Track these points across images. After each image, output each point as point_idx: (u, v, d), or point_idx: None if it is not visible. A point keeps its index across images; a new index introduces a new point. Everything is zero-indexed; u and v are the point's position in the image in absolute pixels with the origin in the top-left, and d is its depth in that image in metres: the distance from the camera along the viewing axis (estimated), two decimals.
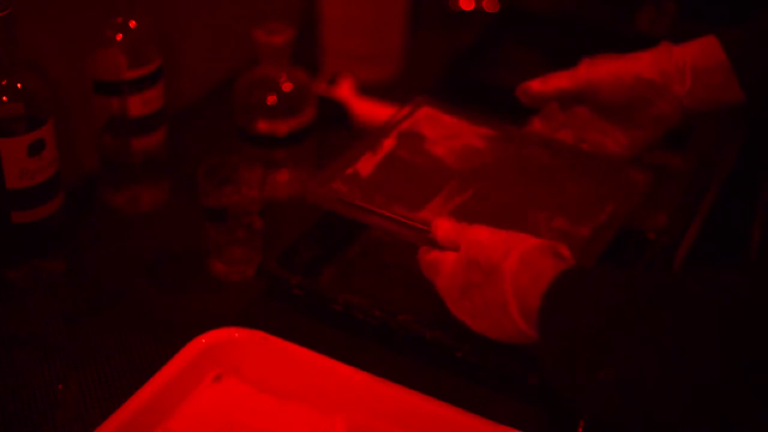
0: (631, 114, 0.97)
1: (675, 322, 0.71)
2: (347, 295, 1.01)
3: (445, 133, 1.04)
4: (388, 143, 1.04)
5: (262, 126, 1.19)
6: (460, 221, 0.90)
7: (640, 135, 0.99)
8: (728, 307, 0.70)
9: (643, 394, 0.71)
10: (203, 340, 0.94)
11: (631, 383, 0.72)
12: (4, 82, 0.98)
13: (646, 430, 0.73)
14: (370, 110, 1.34)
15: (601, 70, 0.98)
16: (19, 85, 0.98)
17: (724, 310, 0.70)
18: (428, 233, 0.91)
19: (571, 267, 0.81)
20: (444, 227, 0.89)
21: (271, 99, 1.18)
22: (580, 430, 0.91)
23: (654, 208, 1.14)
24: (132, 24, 1.10)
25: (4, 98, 0.98)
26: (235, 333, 0.95)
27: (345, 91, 1.36)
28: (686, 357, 0.69)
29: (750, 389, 0.68)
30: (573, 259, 0.85)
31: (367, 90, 1.39)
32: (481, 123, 1.05)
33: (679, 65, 0.95)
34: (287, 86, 1.19)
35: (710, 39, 0.95)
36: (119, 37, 1.10)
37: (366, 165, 1.01)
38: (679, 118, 0.97)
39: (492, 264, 0.83)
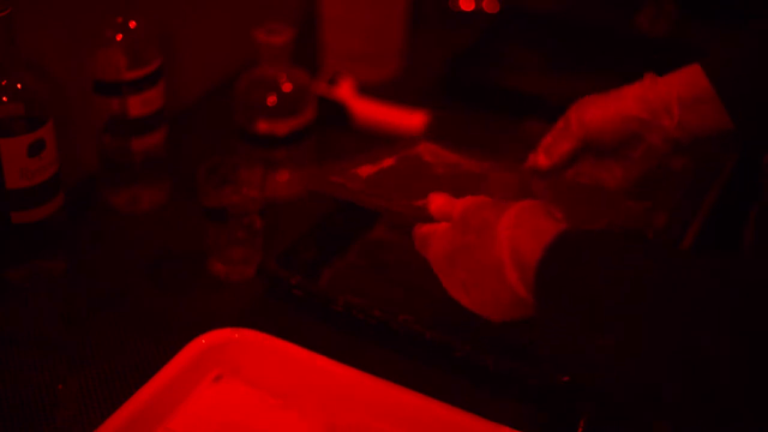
0: (623, 149, 0.98)
1: (683, 294, 0.70)
2: (347, 295, 1.01)
3: (446, 162, 1.04)
4: (388, 161, 1.03)
5: (262, 126, 1.19)
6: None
7: (634, 167, 1.00)
8: (737, 286, 0.70)
9: (642, 366, 0.71)
10: (203, 341, 0.94)
11: (632, 352, 0.71)
12: (4, 82, 0.98)
13: (641, 405, 0.73)
14: (370, 110, 1.34)
15: (591, 118, 0.98)
16: (19, 86, 0.98)
17: (734, 288, 0.70)
18: (424, 210, 0.90)
19: (569, 227, 0.81)
20: (438, 201, 0.89)
21: (271, 99, 1.18)
22: (580, 430, 0.91)
23: (654, 208, 1.14)
24: (132, 24, 1.10)
25: (4, 98, 0.98)
26: (235, 333, 0.95)
27: (345, 92, 1.36)
28: (692, 330, 0.69)
29: (758, 375, 0.67)
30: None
31: (367, 90, 1.39)
32: (481, 158, 1.05)
33: (665, 99, 0.95)
34: (287, 86, 1.19)
35: (694, 68, 0.95)
36: (119, 37, 1.10)
37: (365, 171, 1.00)
38: (670, 149, 0.97)
39: (486, 223, 0.82)
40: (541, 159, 1.00)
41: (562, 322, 0.76)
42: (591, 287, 0.74)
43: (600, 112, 0.98)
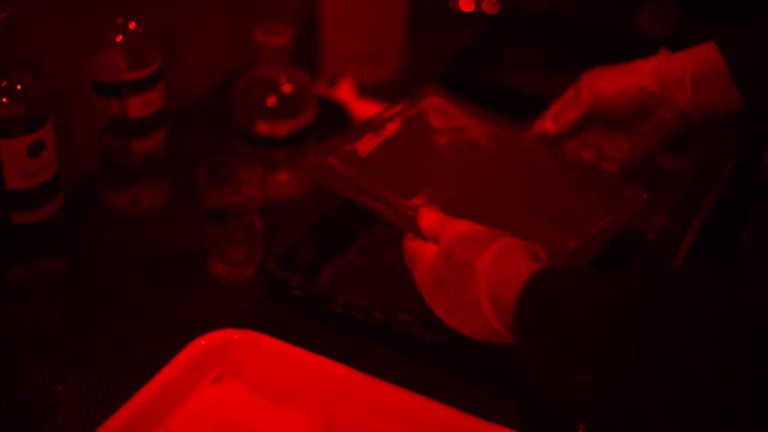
0: (633, 122, 0.98)
1: (682, 294, 0.70)
2: (347, 295, 1.01)
3: (452, 124, 1.03)
4: (392, 127, 1.02)
5: (262, 127, 1.19)
6: (447, 215, 0.89)
7: (642, 141, 0.99)
8: (737, 286, 0.70)
9: (624, 395, 0.71)
10: (203, 342, 0.94)
11: (612, 384, 0.72)
12: (4, 83, 0.98)
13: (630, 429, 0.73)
14: (370, 111, 1.34)
15: (603, 87, 0.97)
16: (19, 86, 0.98)
17: (734, 288, 0.70)
18: (414, 221, 0.89)
19: (547, 266, 0.81)
20: (429, 218, 0.88)
21: (271, 100, 1.18)
22: (580, 430, 0.91)
23: (654, 208, 1.14)
24: (132, 25, 1.10)
25: (4, 99, 0.98)
26: (235, 334, 0.95)
27: (345, 93, 1.36)
28: (692, 330, 0.69)
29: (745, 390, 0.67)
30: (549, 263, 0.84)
31: (367, 90, 1.39)
32: (487, 120, 1.04)
33: (679, 74, 0.95)
34: (287, 88, 1.19)
35: (709, 45, 0.95)
36: (119, 38, 1.10)
37: (366, 146, 0.99)
38: (680, 125, 0.97)
39: (466, 260, 0.83)
40: (548, 125, 1.00)
41: (540, 358, 0.77)
42: (569, 323, 0.74)
43: (612, 82, 0.97)
